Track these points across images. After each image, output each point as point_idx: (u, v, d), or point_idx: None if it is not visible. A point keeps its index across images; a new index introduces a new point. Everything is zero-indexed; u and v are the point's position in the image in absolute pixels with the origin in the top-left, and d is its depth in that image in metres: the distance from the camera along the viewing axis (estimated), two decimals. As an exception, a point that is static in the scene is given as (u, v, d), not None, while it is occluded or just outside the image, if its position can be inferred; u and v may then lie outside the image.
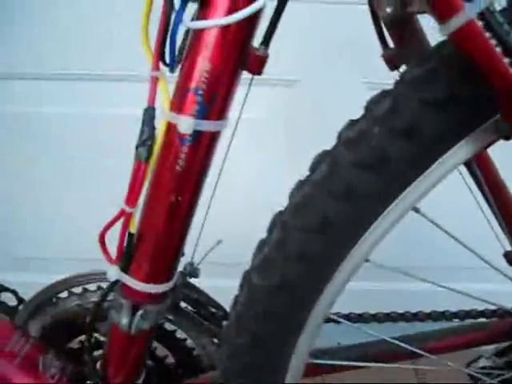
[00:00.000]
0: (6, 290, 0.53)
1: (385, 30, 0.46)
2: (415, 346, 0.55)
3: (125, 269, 0.42)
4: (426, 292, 0.72)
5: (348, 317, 0.62)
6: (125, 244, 0.41)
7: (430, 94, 0.36)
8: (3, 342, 0.50)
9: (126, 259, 0.41)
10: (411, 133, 0.37)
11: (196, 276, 0.50)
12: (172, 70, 0.37)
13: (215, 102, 0.36)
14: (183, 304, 0.52)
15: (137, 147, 0.37)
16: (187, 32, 0.37)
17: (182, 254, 0.44)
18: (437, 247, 0.80)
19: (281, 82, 0.85)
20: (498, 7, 0.30)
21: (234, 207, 0.87)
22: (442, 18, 0.31)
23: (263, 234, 0.41)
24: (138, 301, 0.43)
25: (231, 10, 0.33)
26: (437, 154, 0.38)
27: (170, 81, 0.37)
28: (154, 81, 0.36)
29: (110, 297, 0.44)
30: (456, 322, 0.63)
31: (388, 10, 0.35)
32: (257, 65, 0.36)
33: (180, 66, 0.37)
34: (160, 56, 0.36)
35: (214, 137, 0.38)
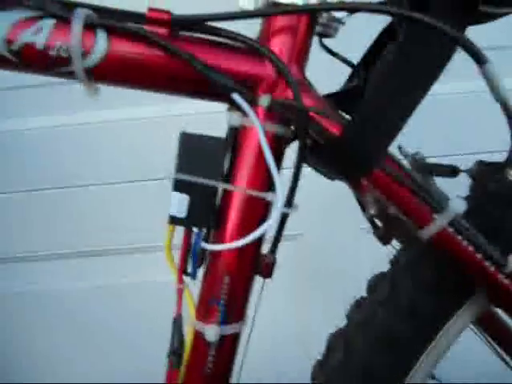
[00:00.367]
0: None
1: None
2: None
3: None
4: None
5: None
6: None
7: (421, 278, 0.41)
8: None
9: None
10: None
11: None
12: (194, 278, 0.43)
13: (235, 308, 0.41)
14: None
15: (168, 355, 0.41)
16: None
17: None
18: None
19: (286, 237, 0.92)
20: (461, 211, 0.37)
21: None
22: (417, 226, 0.37)
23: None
24: None
25: (244, 231, 0.40)
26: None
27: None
28: (180, 292, 0.42)
29: None
30: None
31: (371, 211, 0.42)
32: (267, 270, 0.42)
33: (202, 277, 0.42)
34: (183, 269, 0.42)
35: (236, 336, 0.42)
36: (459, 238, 0.36)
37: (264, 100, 0.37)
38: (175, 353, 0.40)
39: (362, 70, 0.45)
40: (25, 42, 0.36)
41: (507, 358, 0.49)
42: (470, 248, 0.36)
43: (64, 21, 0.36)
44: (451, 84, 0.85)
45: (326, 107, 0.38)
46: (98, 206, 0.97)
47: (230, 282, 0.40)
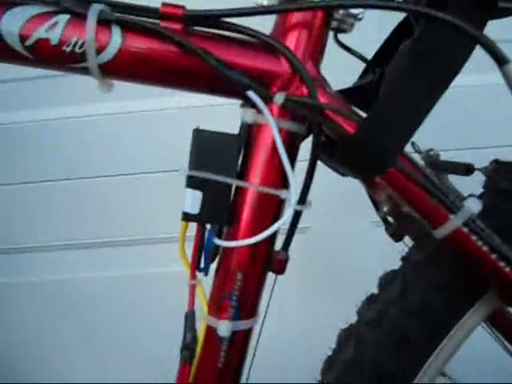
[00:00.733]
0: None
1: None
2: None
3: None
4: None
5: None
6: None
7: (433, 276, 0.41)
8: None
9: None
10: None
11: None
12: (206, 274, 0.43)
13: (247, 303, 0.41)
14: None
15: (181, 350, 0.41)
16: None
17: None
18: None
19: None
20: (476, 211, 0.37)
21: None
22: (432, 225, 0.37)
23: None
24: None
25: (257, 228, 0.40)
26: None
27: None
28: (193, 288, 0.42)
29: None
30: None
31: (385, 209, 0.42)
32: (279, 266, 0.42)
33: (214, 273, 0.42)
34: (195, 265, 0.42)
35: (248, 332, 0.42)
36: (474, 237, 0.36)
37: (279, 97, 0.36)
38: (188, 347, 0.41)
39: (376, 66, 0.45)
40: (39, 38, 0.36)
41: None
42: (485, 248, 0.36)
43: (78, 16, 0.36)
44: (467, 77, 0.84)
45: (340, 104, 0.38)
46: (113, 196, 0.97)
47: (243, 279, 0.40)
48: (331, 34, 0.44)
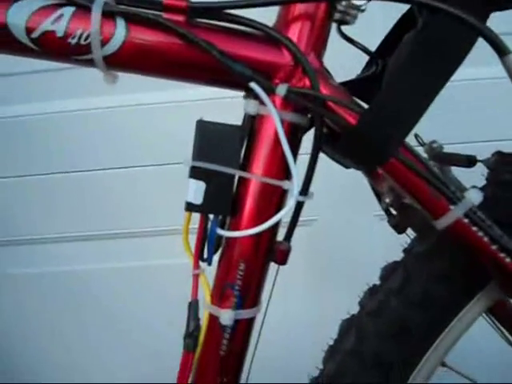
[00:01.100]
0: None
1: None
2: None
3: None
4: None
5: None
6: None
7: (435, 267, 0.41)
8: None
9: None
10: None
11: None
12: (210, 264, 0.44)
13: (250, 293, 0.42)
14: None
15: (184, 338, 0.42)
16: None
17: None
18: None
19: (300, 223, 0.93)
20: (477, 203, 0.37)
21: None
22: (433, 216, 0.37)
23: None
24: None
25: (260, 218, 0.40)
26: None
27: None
28: (196, 277, 0.43)
29: None
30: None
31: (387, 200, 0.42)
32: (282, 257, 0.42)
33: (217, 263, 0.43)
34: (199, 255, 0.43)
35: (250, 321, 0.43)
36: (475, 229, 0.36)
37: (281, 89, 0.37)
38: (191, 336, 0.41)
39: (380, 57, 0.45)
40: (45, 30, 0.36)
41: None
42: (486, 239, 0.36)
43: (83, 9, 0.36)
44: (469, 70, 0.84)
45: (343, 96, 0.38)
46: (114, 189, 0.98)
47: (245, 268, 0.41)
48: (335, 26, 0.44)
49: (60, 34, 0.36)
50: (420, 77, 0.35)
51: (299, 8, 0.38)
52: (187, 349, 0.42)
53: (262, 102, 0.38)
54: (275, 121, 0.37)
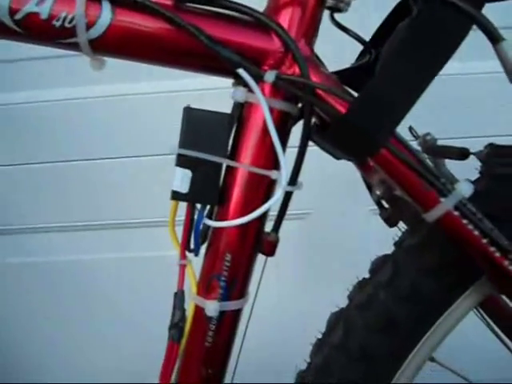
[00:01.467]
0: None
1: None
2: None
3: None
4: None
5: None
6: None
7: (425, 262, 0.41)
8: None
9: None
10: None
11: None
12: (196, 255, 0.43)
13: (236, 284, 0.41)
14: None
15: (170, 329, 0.41)
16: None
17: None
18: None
19: (294, 216, 0.92)
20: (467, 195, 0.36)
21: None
22: (423, 208, 0.37)
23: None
24: None
25: (247, 209, 0.39)
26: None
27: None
28: (183, 268, 0.42)
29: None
30: None
31: (378, 192, 0.41)
32: (269, 248, 0.41)
33: (204, 253, 0.42)
34: (186, 245, 0.42)
35: (237, 313, 0.42)
36: (465, 222, 0.35)
37: (270, 75, 0.36)
38: (176, 326, 0.41)
39: (374, 47, 0.44)
40: (29, 12, 0.35)
41: (509, 343, 0.49)
42: (476, 233, 0.35)
43: None
44: (465, 64, 0.83)
45: (333, 84, 0.37)
46: (110, 179, 0.97)
47: (232, 259, 0.40)
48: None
49: (44, 16, 0.35)
50: (412, 65, 0.34)
51: None
52: (172, 339, 0.41)
53: (250, 90, 0.37)
54: (263, 108, 0.37)
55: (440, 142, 0.48)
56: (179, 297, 0.42)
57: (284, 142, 0.40)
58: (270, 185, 0.40)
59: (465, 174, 0.43)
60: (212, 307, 0.40)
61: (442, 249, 0.40)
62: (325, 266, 0.95)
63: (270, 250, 0.42)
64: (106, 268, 1.03)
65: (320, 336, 0.45)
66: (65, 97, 0.94)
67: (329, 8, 0.40)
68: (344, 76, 0.43)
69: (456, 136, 0.70)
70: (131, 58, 0.38)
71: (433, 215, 0.36)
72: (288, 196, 0.41)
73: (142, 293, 1.02)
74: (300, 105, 0.40)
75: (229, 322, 0.42)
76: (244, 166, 0.39)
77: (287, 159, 0.39)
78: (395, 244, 0.45)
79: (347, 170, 0.52)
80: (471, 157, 0.43)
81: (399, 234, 0.48)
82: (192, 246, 0.43)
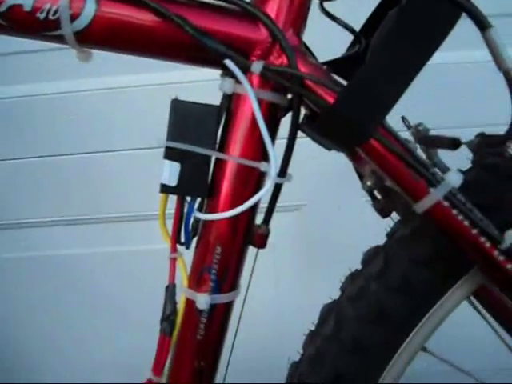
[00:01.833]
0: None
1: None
2: None
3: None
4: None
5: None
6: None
7: (417, 253, 0.41)
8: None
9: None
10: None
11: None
12: (188, 248, 0.43)
13: (227, 277, 0.41)
14: None
15: (161, 322, 0.41)
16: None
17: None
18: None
19: (289, 208, 0.92)
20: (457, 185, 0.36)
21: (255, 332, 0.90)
22: (413, 199, 0.36)
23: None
24: None
25: (237, 201, 0.39)
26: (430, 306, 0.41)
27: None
28: (173, 261, 0.42)
29: None
30: None
31: (368, 183, 0.41)
32: (260, 240, 0.41)
33: (195, 246, 0.42)
34: (176, 238, 0.42)
35: (228, 305, 0.42)
36: (455, 212, 0.35)
37: (257, 66, 0.35)
38: (167, 319, 0.41)
39: (364, 36, 0.44)
40: (12, 4, 0.35)
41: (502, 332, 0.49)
42: (466, 223, 0.35)
43: None
44: (456, 53, 0.82)
45: (321, 74, 0.37)
46: (106, 173, 0.97)
47: (222, 252, 0.40)
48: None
49: (28, 8, 0.35)
50: (400, 54, 0.33)
51: None
52: (164, 332, 0.41)
53: (238, 81, 0.37)
54: (251, 100, 0.36)
55: (434, 132, 0.48)
56: (170, 290, 0.42)
57: (273, 134, 0.40)
58: (260, 177, 0.39)
59: (460, 164, 0.43)
60: (203, 300, 0.40)
61: (433, 239, 0.40)
62: (320, 257, 0.95)
63: (261, 243, 0.42)
64: (105, 262, 1.02)
65: (313, 327, 0.46)
66: (64, 90, 0.93)
67: (318, -3, 0.40)
68: (335, 66, 0.42)
69: (451, 126, 0.69)
70: (117, 49, 0.38)
71: (422, 206, 0.36)
72: (278, 188, 0.41)
73: (143, 286, 1.01)
74: (289, 96, 0.39)
75: (220, 315, 0.42)
76: (233, 158, 0.39)
77: (277, 151, 0.38)
78: (387, 235, 0.45)
79: (340, 160, 0.53)
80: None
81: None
82: (183, 239, 0.43)
